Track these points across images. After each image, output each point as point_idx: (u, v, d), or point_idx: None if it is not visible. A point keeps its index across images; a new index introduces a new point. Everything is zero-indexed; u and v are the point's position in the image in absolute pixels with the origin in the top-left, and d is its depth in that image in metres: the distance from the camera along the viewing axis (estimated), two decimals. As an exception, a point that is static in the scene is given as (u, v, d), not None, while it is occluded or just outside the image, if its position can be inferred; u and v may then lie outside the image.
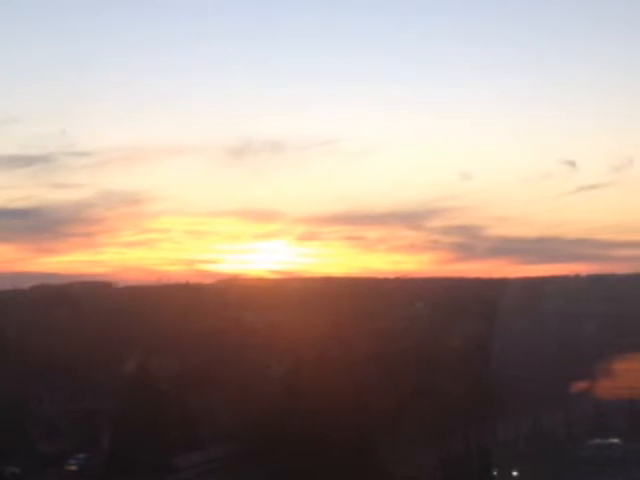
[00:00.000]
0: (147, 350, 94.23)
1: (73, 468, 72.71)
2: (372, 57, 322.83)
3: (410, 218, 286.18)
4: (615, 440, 78.12)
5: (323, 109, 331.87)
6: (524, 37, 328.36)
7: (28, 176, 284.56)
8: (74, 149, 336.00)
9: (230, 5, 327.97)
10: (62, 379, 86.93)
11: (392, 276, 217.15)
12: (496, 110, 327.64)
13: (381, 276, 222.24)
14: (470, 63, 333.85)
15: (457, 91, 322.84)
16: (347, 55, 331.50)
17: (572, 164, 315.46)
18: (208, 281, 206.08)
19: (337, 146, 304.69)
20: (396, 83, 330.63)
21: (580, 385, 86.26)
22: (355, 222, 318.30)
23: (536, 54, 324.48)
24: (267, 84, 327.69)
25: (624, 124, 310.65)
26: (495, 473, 64.33)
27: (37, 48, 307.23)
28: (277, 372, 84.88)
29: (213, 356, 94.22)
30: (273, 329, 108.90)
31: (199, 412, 76.45)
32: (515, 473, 65.95)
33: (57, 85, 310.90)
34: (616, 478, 68.35)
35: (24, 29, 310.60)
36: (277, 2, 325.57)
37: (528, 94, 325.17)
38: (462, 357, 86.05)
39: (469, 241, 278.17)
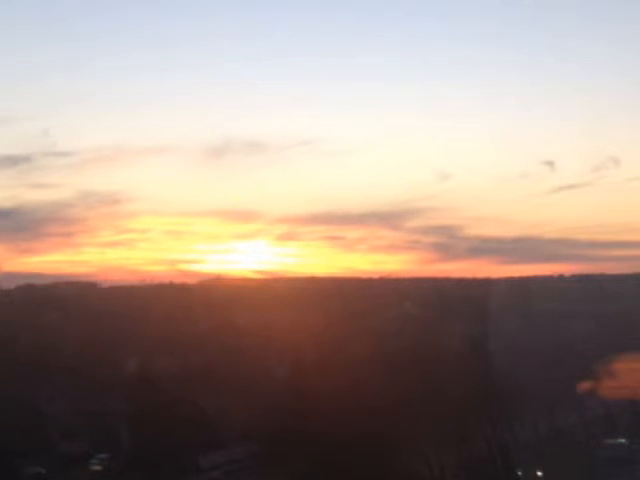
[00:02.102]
0: (147, 350, 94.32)
1: (97, 468, 72.44)
2: (352, 58, 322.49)
3: (389, 218, 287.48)
4: (622, 440, 78.74)
5: (303, 109, 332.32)
6: (503, 38, 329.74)
7: (10, 176, 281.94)
8: (55, 149, 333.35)
9: (211, 6, 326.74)
10: (64, 379, 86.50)
11: (376, 276, 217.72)
12: (474, 110, 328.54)
13: (365, 276, 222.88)
14: (449, 64, 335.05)
15: (435, 91, 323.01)
16: (327, 56, 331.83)
17: (550, 164, 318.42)
18: (191, 281, 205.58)
19: (316, 146, 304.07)
20: (376, 84, 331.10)
21: (586, 385, 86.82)
22: (334, 222, 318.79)
23: (515, 54, 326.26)
24: (247, 84, 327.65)
25: (602, 124, 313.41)
26: (520, 473, 64.46)
27: (20, 50, 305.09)
28: (281, 372, 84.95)
29: (213, 356, 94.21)
30: (268, 329, 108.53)
31: (212, 412, 76.30)
32: (539, 473, 66.00)
33: (39, 86, 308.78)
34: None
35: (6, 31, 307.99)
36: (258, 3, 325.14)
37: (506, 94, 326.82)
38: (464, 357, 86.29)
39: (449, 241, 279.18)
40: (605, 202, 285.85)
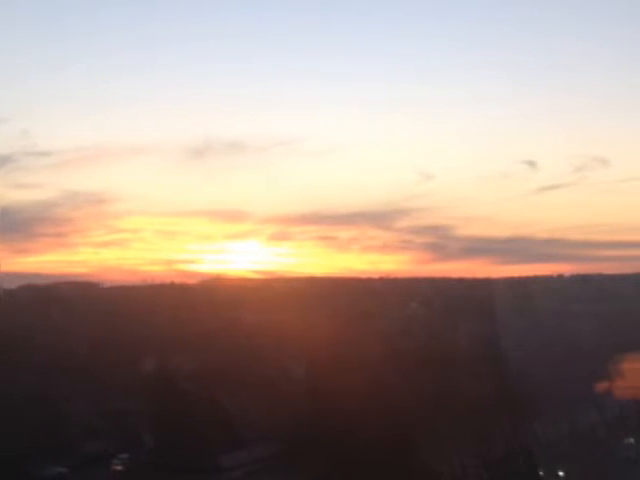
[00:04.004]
0: (161, 350, 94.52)
1: (119, 468, 72.65)
2: (333, 58, 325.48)
3: (378, 218, 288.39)
4: (631, 440, 79.50)
5: (282, 110, 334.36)
6: (485, 39, 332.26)
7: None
8: (35, 149, 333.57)
9: (191, 7, 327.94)
10: (82, 379, 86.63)
11: (375, 276, 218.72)
12: (454, 110, 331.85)
13: (364, 276, 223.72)
14: (431, 64, 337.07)
15: (416, 91, 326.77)
16: (307, 56, 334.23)
17: (532, 164, 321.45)
18: (192, 281, 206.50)
19: (297, 146, 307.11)
20: (356, 83, 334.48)
21: (602, 384, 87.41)
22: (323, 222, 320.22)
23: (497, 55, 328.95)
24: (228, 85, 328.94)
25: (584, 125, 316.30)
26: (541, 473, 64.93)
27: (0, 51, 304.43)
28: (298, 372, 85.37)
29: (228, 356, 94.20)
30: (278, 329, 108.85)
31: (232, 412, 76.59)
32: (561, 473, 66.45)
33: (19, 86, 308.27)
34: None
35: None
36: (238, 4, 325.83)
37: (487, 95, 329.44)
38: (479, 357, 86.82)
39: (441, 241, 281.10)
40: (590, 202, 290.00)
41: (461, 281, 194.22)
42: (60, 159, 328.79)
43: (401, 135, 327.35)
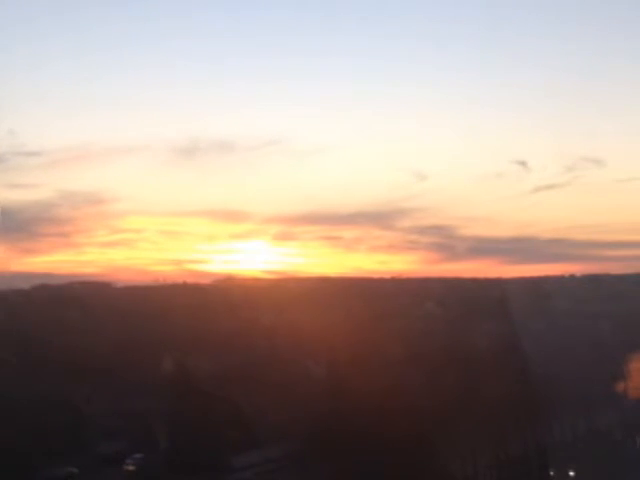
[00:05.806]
0: (179, 351, 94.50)
1: (131, 468, 72.77)
2: (326, 57, 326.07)
3: (378, 218, 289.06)
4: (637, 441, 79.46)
5: (271, 109, 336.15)
6: (476, 39, 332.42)
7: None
8: (24, 149, 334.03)
9: (178, 6, 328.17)
10: (100, 380, 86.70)
11: (387, 276, 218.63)
12: (446, 110, 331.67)
13: (376, 276, 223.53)
14: (423, 65, 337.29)
15: (408, 92, 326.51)
16: (300, 55, 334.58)
17: (523, 164, 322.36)
18: (204, 281, 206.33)
19: (286, 146, 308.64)
20: (348, 84, 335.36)
21: (621, 385, 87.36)
22: (325, 222, 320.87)
23: (488, 56, 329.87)
24: (217, 84, 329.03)
25: (572, 124, 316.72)
26: (552, 473, 64.96)
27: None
28: (317, 372, 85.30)
29: (246, 356, 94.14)
30: (296, 329, 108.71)
31: (249, 412, 76.59)
32: (572, 473, 66.50)
33: (6, 85, 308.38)
34: None
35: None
36: (226, 3, 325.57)
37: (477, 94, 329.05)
38: (498, 357, 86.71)
39: (447, 241, 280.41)
40: (585, 202, 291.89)
41: (474, 281, 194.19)
42: (50, 159, 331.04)
43: (393, 135, 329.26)
